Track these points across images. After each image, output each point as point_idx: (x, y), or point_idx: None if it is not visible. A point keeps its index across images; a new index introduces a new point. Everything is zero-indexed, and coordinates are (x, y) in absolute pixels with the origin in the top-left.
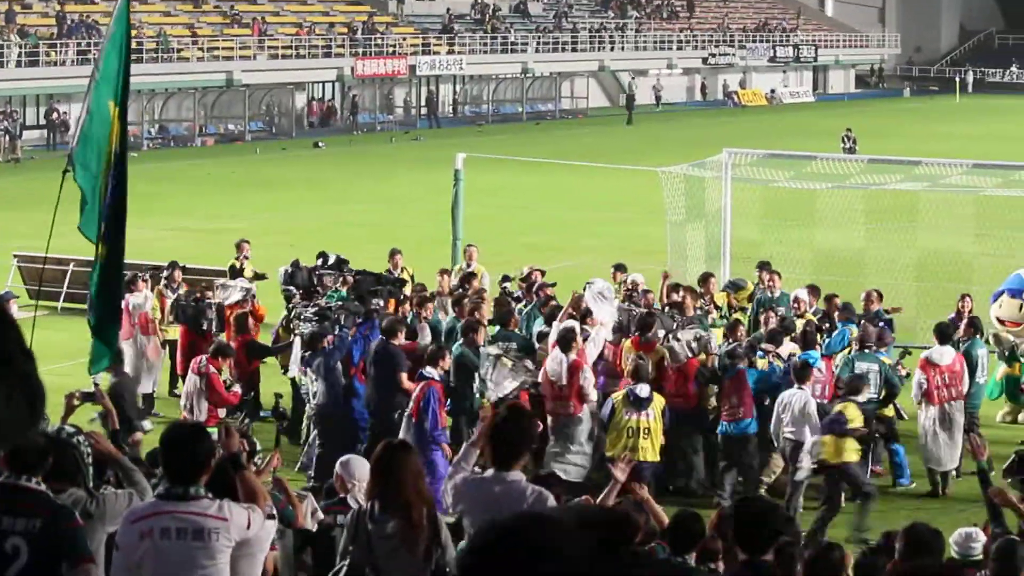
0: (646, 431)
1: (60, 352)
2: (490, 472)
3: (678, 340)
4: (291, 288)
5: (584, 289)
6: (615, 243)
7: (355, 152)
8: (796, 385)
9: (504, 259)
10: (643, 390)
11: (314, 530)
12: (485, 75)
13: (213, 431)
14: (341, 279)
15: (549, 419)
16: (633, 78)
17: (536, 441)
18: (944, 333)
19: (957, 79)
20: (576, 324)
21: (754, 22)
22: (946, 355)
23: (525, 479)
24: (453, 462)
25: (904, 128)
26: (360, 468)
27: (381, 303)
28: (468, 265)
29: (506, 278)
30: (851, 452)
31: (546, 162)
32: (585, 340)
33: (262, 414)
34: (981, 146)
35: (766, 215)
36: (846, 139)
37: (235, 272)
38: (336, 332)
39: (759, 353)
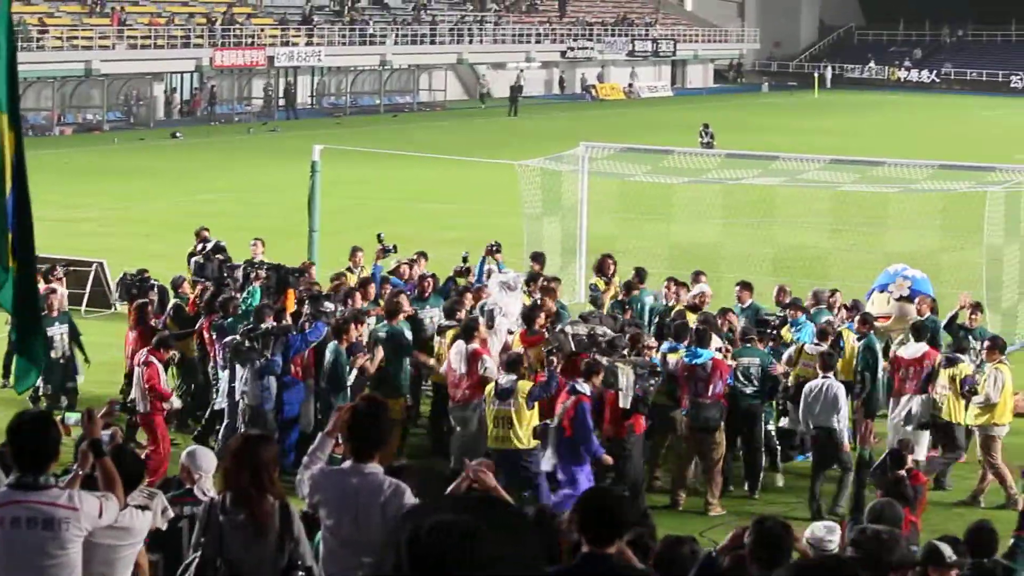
0: (508, 420)
1: None
2: (348, 464)
3: (564, 333)
4: (200, 279)
5: (488, 278)
6: (472, 235)
7: (212, 143)
8: (822, 374)
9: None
10: (505, 380)
11: (164, 527)
12: (344, 67)
13: (70, 417)
14: (254, 274)
15: (451, 406)
16: (522, 71)
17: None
18: (919, 330)
19: (816, 74)
20: (479, 316)
21: (613, 16)
22: (910, 349)
23: (382, 471)
24: (308, 451)
25: (762, 123)
26: (206, 459)
27: (331, 306)
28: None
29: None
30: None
31: (403, 154)
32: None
33: (116, 407)
34: (839, 141)
35: (623, 209)
36: (704, 133)
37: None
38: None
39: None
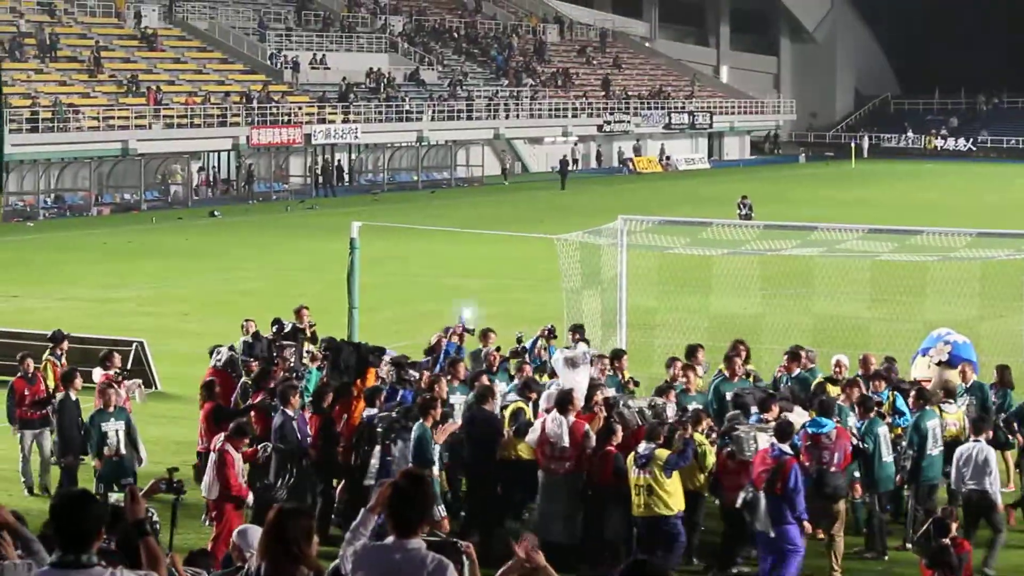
0: (648, 488)
1: None
2: (390, 539)
3: (628, 407)
4: (249, 359)
5: (551, 355)
6: (511, 310)
7: (251, 221)
8: (973, 438)
9: (399, 327)
10: (641, 448)
11: None
12: (380, 143)
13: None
14: (311, 356)
15: (540, 476)
16: (576, 143)
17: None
18: None
19: (852, 144)
20: (574, 388)
21: (649, 89)
22: None
23: (425, 547)
24: (351, 527)
25: (800, 194)
26: (258, 538)
27: (415, 374)
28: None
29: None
30: None
31: (442, 230)
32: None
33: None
34: (877, 211)
35: (662, 282)
36: (742, 205)
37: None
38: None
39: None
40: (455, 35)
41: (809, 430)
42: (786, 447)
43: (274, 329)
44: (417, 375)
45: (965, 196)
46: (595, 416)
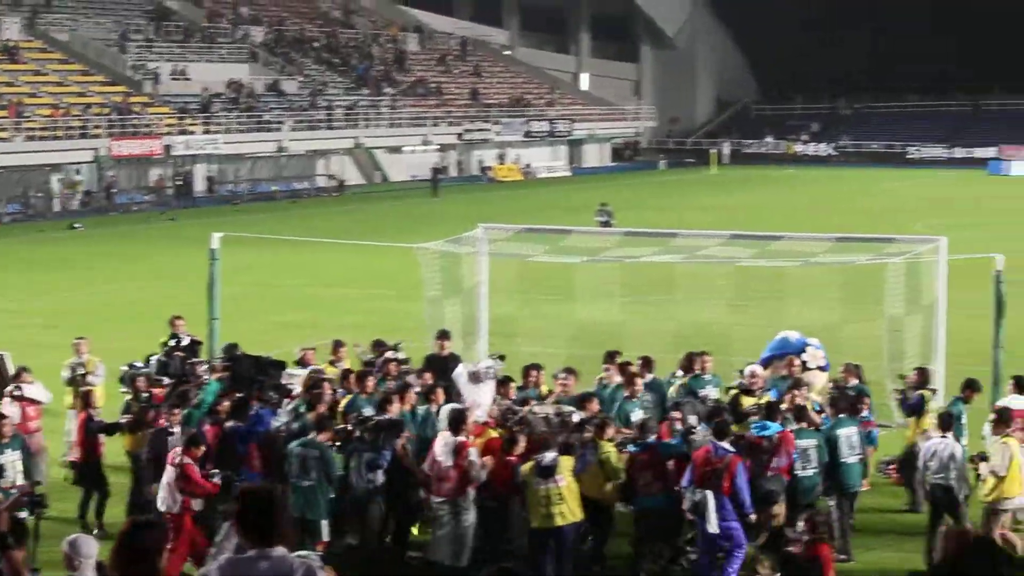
0: (558, 496)
1: None
2: (252, 552)
3: (534, 413)
4: (162, 379)
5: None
6: (374, 320)
7: (112, 233)
8: (940, 434)
9: (261, 338)
10: (547, 458)
11: None
12: (241, 154)
13: None
14: (210, 367)
15: (432, 499)
16: (439, 151)
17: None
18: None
19: (713, 150)
20: (465, 407)
21: (509, 97)
22: (1015, 402)
23: (290, 554)
24: (215, 541)
25: (660, 201)
26: (87, 546)
27: (275, 396)
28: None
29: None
30: None
31: (302, 240)
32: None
33: (24, 500)
34: (737, 216)
35: (523, 290)
36: (601, 212)
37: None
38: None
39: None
40: (315, 45)
41: (752, 432)
42: (727, 445)
43: (172, 343)
44: (275, 395)
45: (826, 201)
46: (483, 429)
